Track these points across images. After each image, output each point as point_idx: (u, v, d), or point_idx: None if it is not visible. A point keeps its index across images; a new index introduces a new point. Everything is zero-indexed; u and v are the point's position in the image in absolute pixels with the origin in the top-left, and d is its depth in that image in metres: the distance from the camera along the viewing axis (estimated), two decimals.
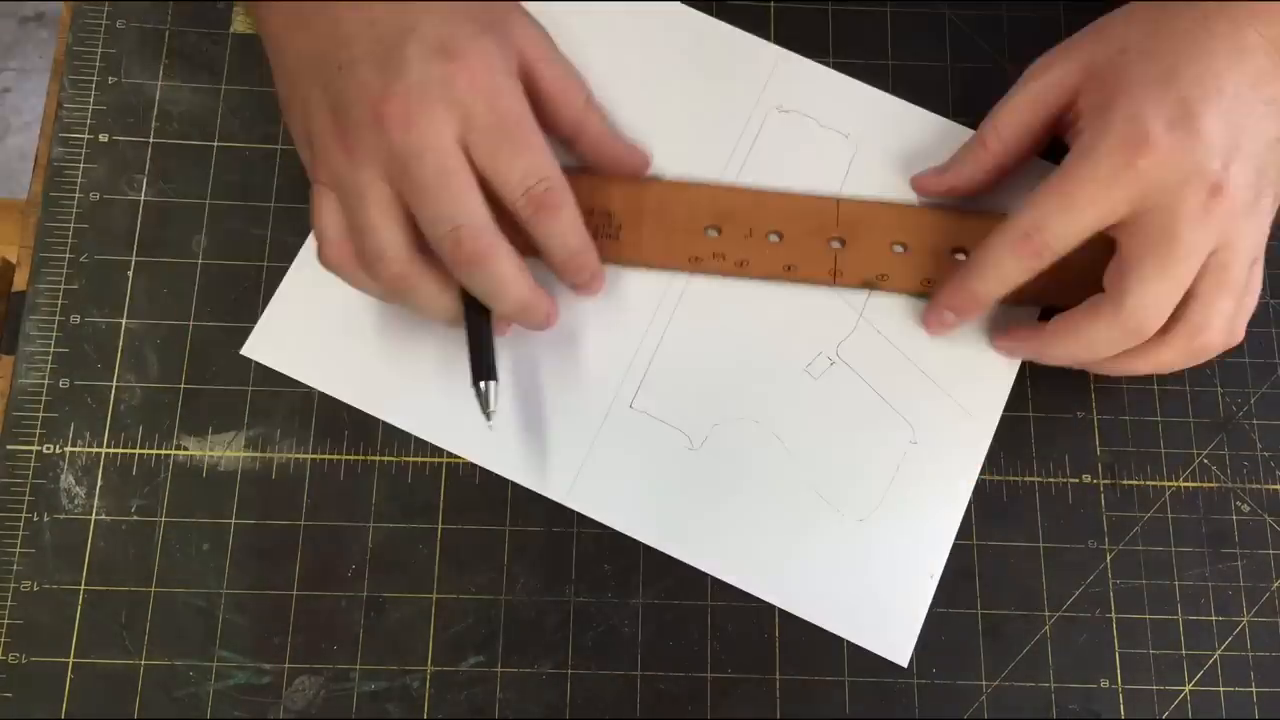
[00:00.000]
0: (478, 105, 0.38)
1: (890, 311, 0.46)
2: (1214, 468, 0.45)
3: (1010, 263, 0.41)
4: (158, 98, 0.47)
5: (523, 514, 0.43)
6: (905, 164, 0.47)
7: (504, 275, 0.39)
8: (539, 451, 0.44)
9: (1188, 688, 0.43)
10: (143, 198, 0.46)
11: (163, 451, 0.43)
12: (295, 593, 0.42)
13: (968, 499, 0.44)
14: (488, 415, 0.41)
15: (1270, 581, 0.44)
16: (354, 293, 0.45)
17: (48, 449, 0.43)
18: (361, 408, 0.44)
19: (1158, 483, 0.45)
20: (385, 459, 0.44)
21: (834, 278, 0.45)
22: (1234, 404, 0.46)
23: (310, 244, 0.46)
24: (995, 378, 0.45)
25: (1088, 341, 0.41)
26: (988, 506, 0.44)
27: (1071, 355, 0.42)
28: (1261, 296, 0.47)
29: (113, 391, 0.44)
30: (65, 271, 0.45)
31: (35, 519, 0.42)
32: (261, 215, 0.46)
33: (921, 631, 0.43)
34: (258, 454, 0.43)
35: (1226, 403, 0.46)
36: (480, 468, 0.44)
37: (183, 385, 0.44)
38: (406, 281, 0.39)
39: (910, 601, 0.43)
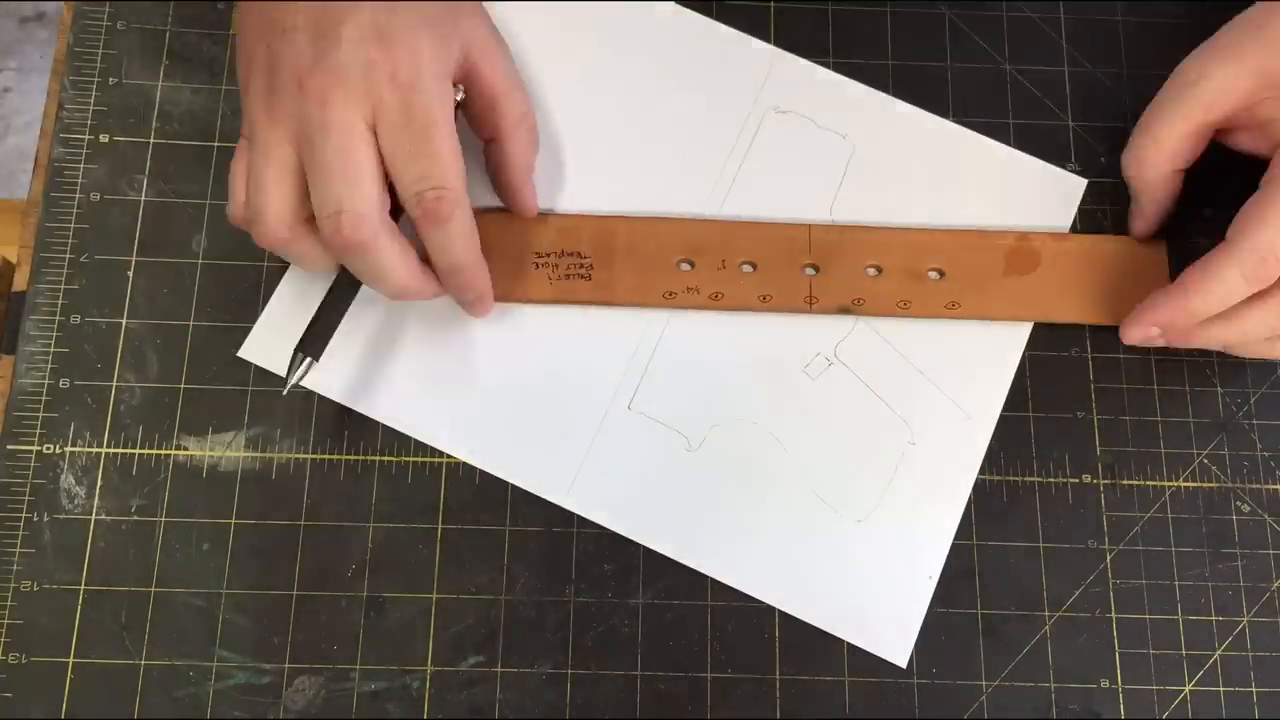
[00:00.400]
0: (392, 98, 0.39)
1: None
2: (1214, 468, 0.45)
3: (1239, 285, 0.41)
4: (158, 98, 0.47)
5: (523, 514, 0.43)
6: (903, 164, 0.47)
7: (381, 265, 0.39)
8: (537, 453, 0.44)
9: (1188, 688, 0.43)
10: (143, 198, 0.46)
11: (163, 451, 0.43)
12: (295, 593, 0.42)
13: (966, 499, 0.44)
14: (284, 384, 0.41)
15: (1270, 581, 0.44)
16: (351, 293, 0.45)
17: (48, 449, 0.43)
18: (359, 409, 0.44)
19: (1158, 483, 0.45)
20: (385, 459, 0.44)
21: (809, 304, 0.45)
22: (1234, 404, 0.46)
23: None
24: (993, 378, 0.45)
25: (1215, 283, 0.41)
26: (987, 506, 0.44)
27: (1204, 301, 0.41)
28: None
29: (113, 391, 0.44)
30: (65, 271, 0.45)
31: (35, 519, 0.42)
32: None
33: (921, 631, 0.43)
34: (258, 454, 0.43)
35: (1226, 403, 0.46)
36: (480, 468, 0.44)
37: (183, 385, 0.44)
38: (284, 245, 0.40)
39: (909, 602, 0.43)
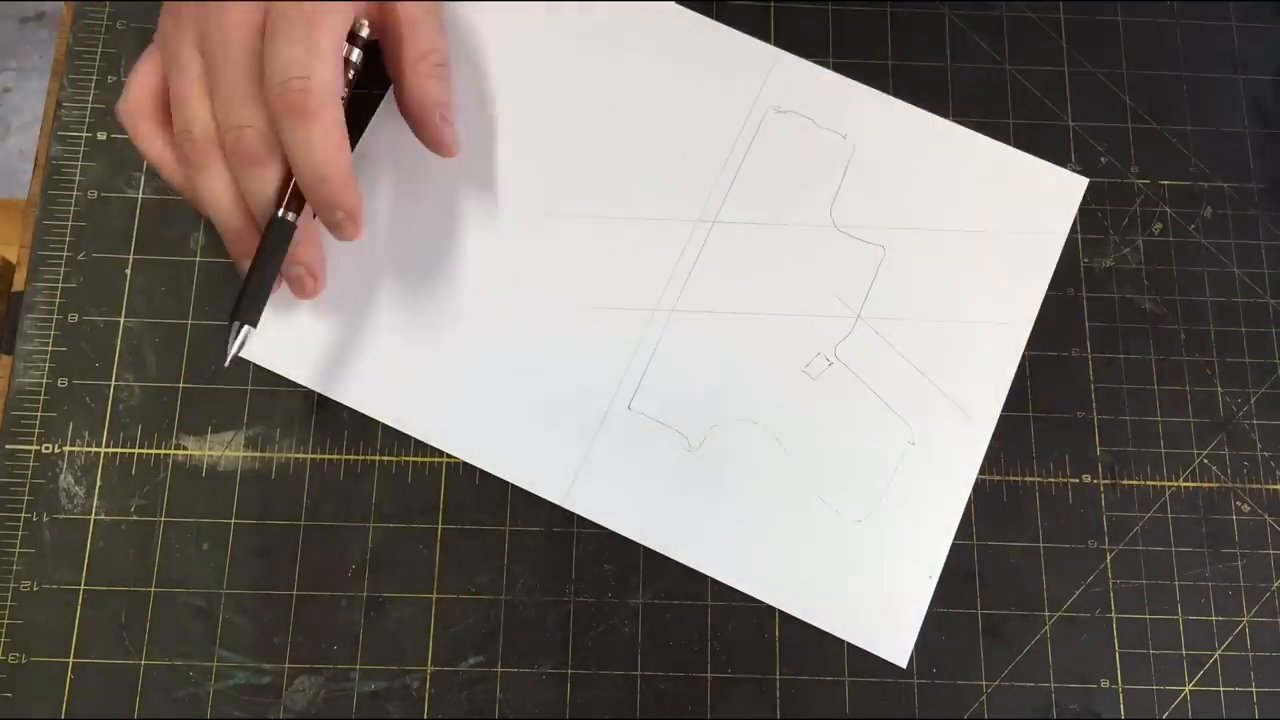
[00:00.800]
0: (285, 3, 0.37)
1: (889, 312, 0.46)
2: (1214, 468, 0.45)
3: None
4: None
5: (523, 514, 0.43)
6: (903, 164, 0.47)
7: (263, 183, 0.39)
8: (537, 453, 0.44)
9: (1188, 688, 0.43)
10: (140, 196, 0.46)
11: (162, 451, 0.43)
12: (295, 593, 0.42)
13: (966, 499, 0.44)
14: (226, 355, 0.40)
15: (1270, 581, 0.44)
16: (351, 293, 0.45)
17: (47, 449, 0.43)
18: (359, 409, 0.44)
19: (1158, 483, 0.45)
20: (385, 459, 0.44)
21: None
22: (1234, 404, 0.46)
23: None
24: (994, 378, 0.45)
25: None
26: (987, 506, 0.44)
27: None
28: (1261, 297, 0.47)
29: (111, 391, 0.44)
30: (63, 270, 0.45)
31: (35, 519, 0.42)
32: None
33: (921, 631, 0.43)
34: (258, 454, 0.43)
35: (1226, 403, 0.46)
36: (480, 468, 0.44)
37: (182, 385, 0.44)
38: (204, 160, 0.39)
39: (909, 602, 0.43)
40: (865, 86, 0.48)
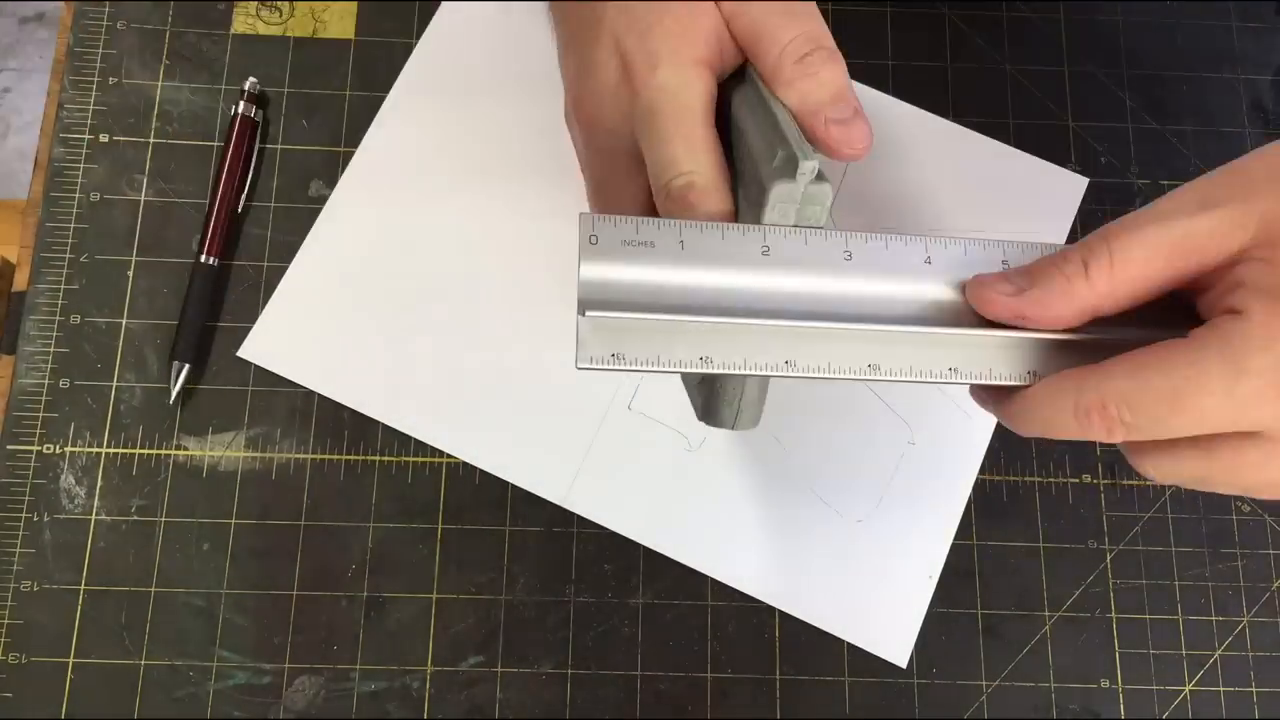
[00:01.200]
0: (639, 102, 0.35)
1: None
2: None
3: (1070, 425, 0.31)
4: (158, 98, 0.47)
5: (523, 514, 0.43)
6: (903, 164, 0.47)
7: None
8: (537, 453, 0.44)
9: (1188, 688, 0.43)
10: (143, 198, 0.46)
11: (163, 451, 0.43)
12: (295, 593, 0.42)
13: (966, 499, 0.44)
14: (170, 394, 0.43)
15: (1270, 581, 0.44)
16: (351, 294, 0.45)
17: (48, 449, 0.43)
18: (359, 409, 0.44)
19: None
20: (385, 459, 0.44)
21: None
22: None
23: (308, 244, 0.46)
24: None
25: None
26: (988, 506, 0.44)
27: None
28: None
29: (113, 391, 0.44)
30: (65, 271, 0.45)
31: (35, 519, 0.42)
32: (261, 215, 0.46)
33: (921, 631, 0.43)
34: (258, 454, 0.43)
35: None
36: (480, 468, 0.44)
37: (183, 385, 0.44)
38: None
39: (909, 602, 0.43)
40: (866, 86, 0.48)
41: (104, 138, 0.46)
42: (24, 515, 0.42)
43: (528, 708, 0.41)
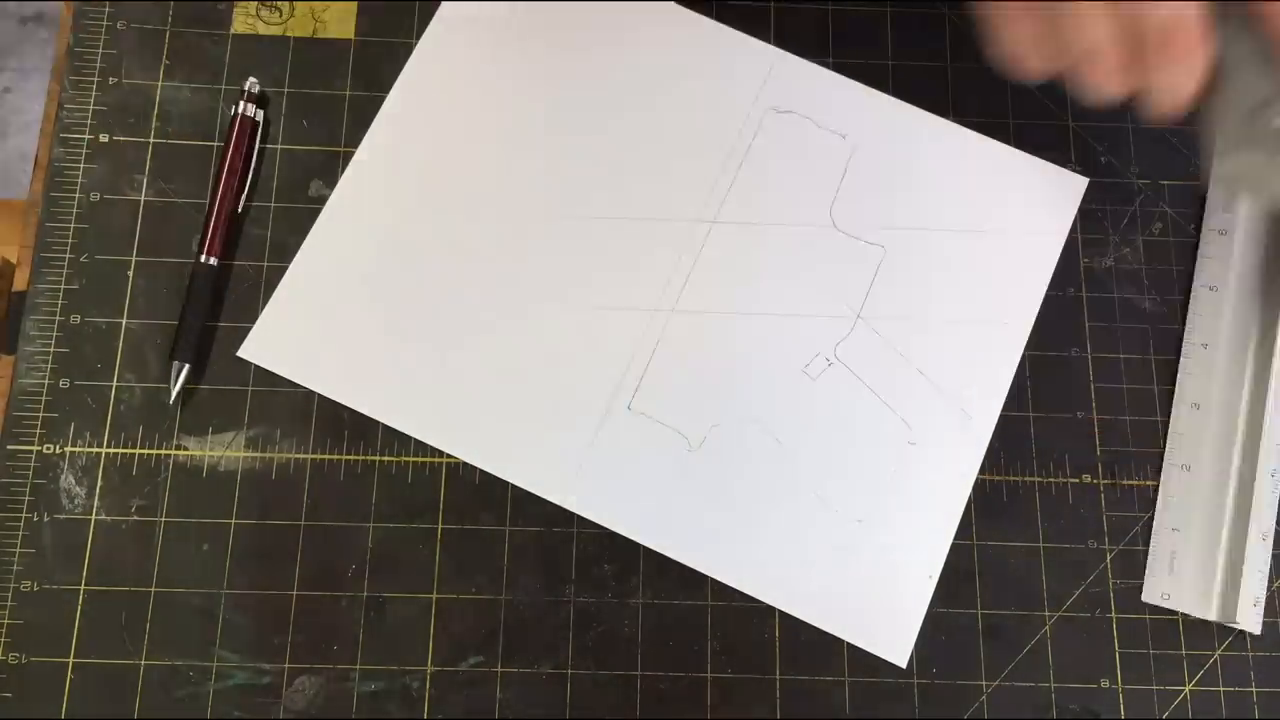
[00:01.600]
0: None
1: (889, 312, 0.46)
2: None
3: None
4: (158, 98, 0.47)
5: (523, 514, 0.43)
6: (903, 164, 0.47)
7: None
8: (537, 453, 0.44)
9: (1188, 688, 0.43)
10: (143, 198, 0.46)
11: (163, 451, 0.43)
12: (295, 593, 0.42)
13: (966, 499, 0.44)
14: (169, 395, 0.43)
15: (1270, 581, 0.44)
16: (351, 294, 0.45)
17: (48, 449, 0.43)
18: (359, 409, 0.44)
19: (1157, 483, 0.45)
20: (385, 459, 0.44)
21: None
22: None
23: (308, 244, 0.46)
24: (994, 378, 0.45)
25: None
26: (988, 506, 0.44)
27: None
28: None
29: (113, 391, 0.44)
30: (65, 271, 0.45)
31: (35, 519, 0.42)
32: (261, 215, 0.46)
33: (921, 631, 0.43)
34: (258, 454, 0.43)
35: None
36: (480, 468, 0.44)
37: (183, 385, 0.44)
38: None
39: (909, 602, 0.43)
40: (865, 86, 0.48)
41: (104, 138, 0.46)
42: (24, 515, 0.42)
43: (528, 708, 0.41)
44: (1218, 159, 0.38)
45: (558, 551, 0.43)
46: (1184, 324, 0.46)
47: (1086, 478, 0.45)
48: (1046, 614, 0.43)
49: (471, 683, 0.42)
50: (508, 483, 0.43)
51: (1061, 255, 0.47)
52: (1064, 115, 0.49)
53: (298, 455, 0.44)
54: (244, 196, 0.46)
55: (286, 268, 0.45)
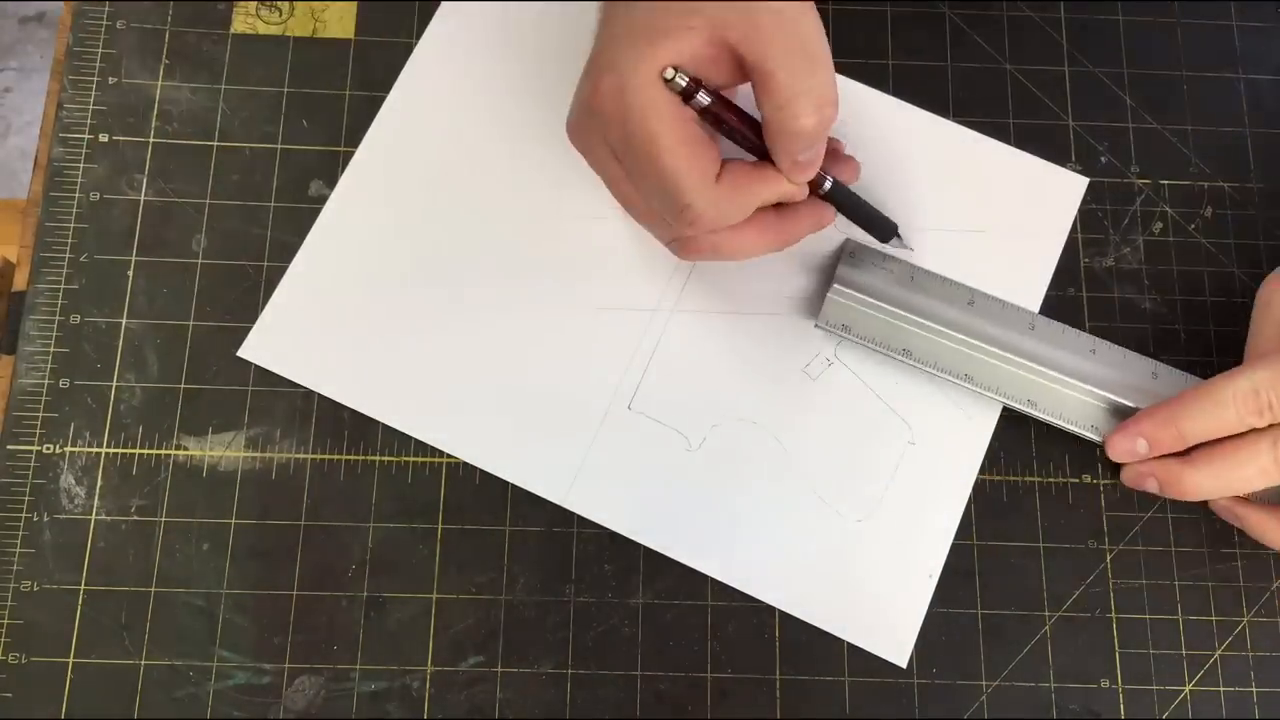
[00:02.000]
0: (614, 132, 0.38)
1: (907, 249, 0.45)
2: None
3: (1229, 412, 0.40)
4: (158, 98, 0.47)
5: (523, 514, 0.43)
6: (903, 164, 0.47)
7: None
8: (537, 453, 0.44)
9: (1188, 688, 0.43)
10: (143, 198, 0.46)
11: (163, 451, 0.43)
12: (295, 593, 0.42)
13: (966, 499, 0.44)
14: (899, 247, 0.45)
15: (1270, 581, 0.44)
16: (351, 294, 0.45)
17: (48, 449, 0.43)
18: (359, 409, 0.44)
19: None
20: (385, 459, 0.44)
21: None
22: None
23: (308, 244, 0.46)
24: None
25: (1217, 407, 0.40)
26: (988, 506, 0.44)
27: (1203, 424, 0.41)
28: None
29: (113, 391, 0.44)
30: (65, 271, 0.45)
31: (35, 519, 0.42)
32: (261, 215, 0.46)
33: (921, 631, 0.43)
34: (258, 454, 0.43)
35: None
36: (480, 468, 0.44)
37: (182, 385, 0.44)
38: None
39: (909, 602, 0.43)
40: (866, 86, 0.48)
41: (104, 138, 0.46)
42: (24, 515, 0.42)
43: (528, 708, 0.41)
44: None
45: (558, 551, 0.43)
46: (1182, 324, 0.46)
47: (1086, 478, 0.45)
48: (1046, 614, 0.43)
49: (471, 683, 0.42)
50: (508, 483, 0.43)
51: (1061, 255, 0.47)
52: (1064, 115, 0.49)
53: (298, 455, 0.44)
54: None
55: (286, 268, 0.45)
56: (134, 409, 0.44)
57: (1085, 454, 0.45)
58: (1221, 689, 0.43)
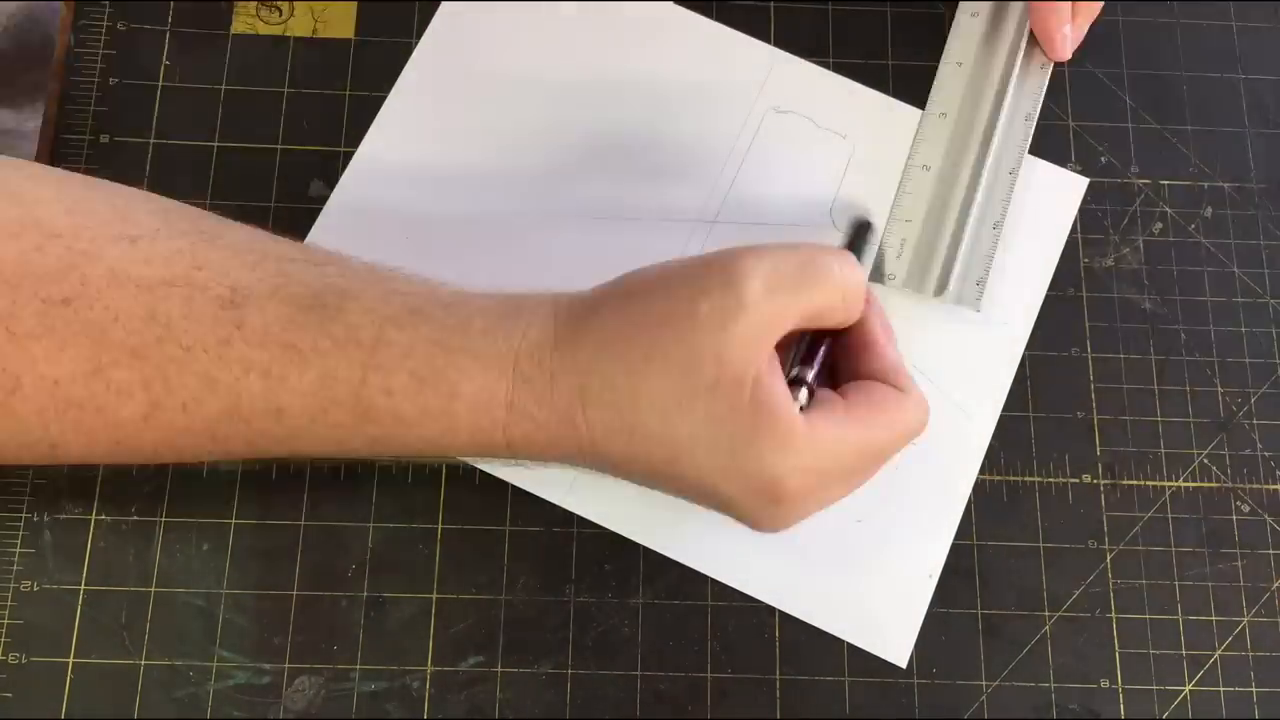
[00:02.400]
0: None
1: (887, 312, 0.45)
2: (1214, 468, 0.45)
3: None
4: (158, 98, 0.47)
5: (523, 514, 0.43)
6: (903, 165, 0.47)
7: None
8: None
9: (1188, 688, 0.43)
10: None
11: None
12: (295, 593, 0.42)
13: (966, 498, 0.44)
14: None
15: (1270, 581, 0.44)
16: None
17: None
18: None
19: (1158, 483, 0.45)
20: (385, 459, 0.44)
21: None
22: (1234, 404, 0.46)
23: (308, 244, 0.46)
24: (994, 378, 0.45)
25: None
26: (987, 506, 0.44)
27: None
28: (1261, 297, 0.47)
29: None
30: None
31: (35, 519, 0.42)
32: (261, 215, 0.46)
33: (921, 631, 0.43)
34: None
35: (1226, 403, 0.46)
36: (480, 468, 0.44)
37: None
38: None
39: (909, 602, 0.43)
40: (865, 87, 0.48)
41: (104, 138, 0.46)
42: (24, 515, 0.42)
43: (528, 708, 0.41)
44: None
45: (558, 551, 0.43)
46: (1182, 324, 0.46)
47: (1086, 478, 0.45)
48: (1046, 614, 0.43)
49: (471, 683, 0.42)
50: (508, 483, 0.43)
51: (1061, 255, 0.47)
52: (1064, 115, 0.49)
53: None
54: None
55: None
56: None
57: (1085, 454, 0.45)
58: (1221, 689, 0.43)
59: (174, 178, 0.46)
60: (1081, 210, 0.48)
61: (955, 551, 0.43)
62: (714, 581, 0.43)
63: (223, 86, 0.47)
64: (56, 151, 0.46)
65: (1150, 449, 0.45)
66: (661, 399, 0.34)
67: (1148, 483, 0.45)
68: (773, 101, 0.48)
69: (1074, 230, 0.47)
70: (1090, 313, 0.47)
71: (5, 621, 0.41)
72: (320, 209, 0.46)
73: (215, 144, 0.47)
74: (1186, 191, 0.48)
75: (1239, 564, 0.44)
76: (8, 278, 0.34)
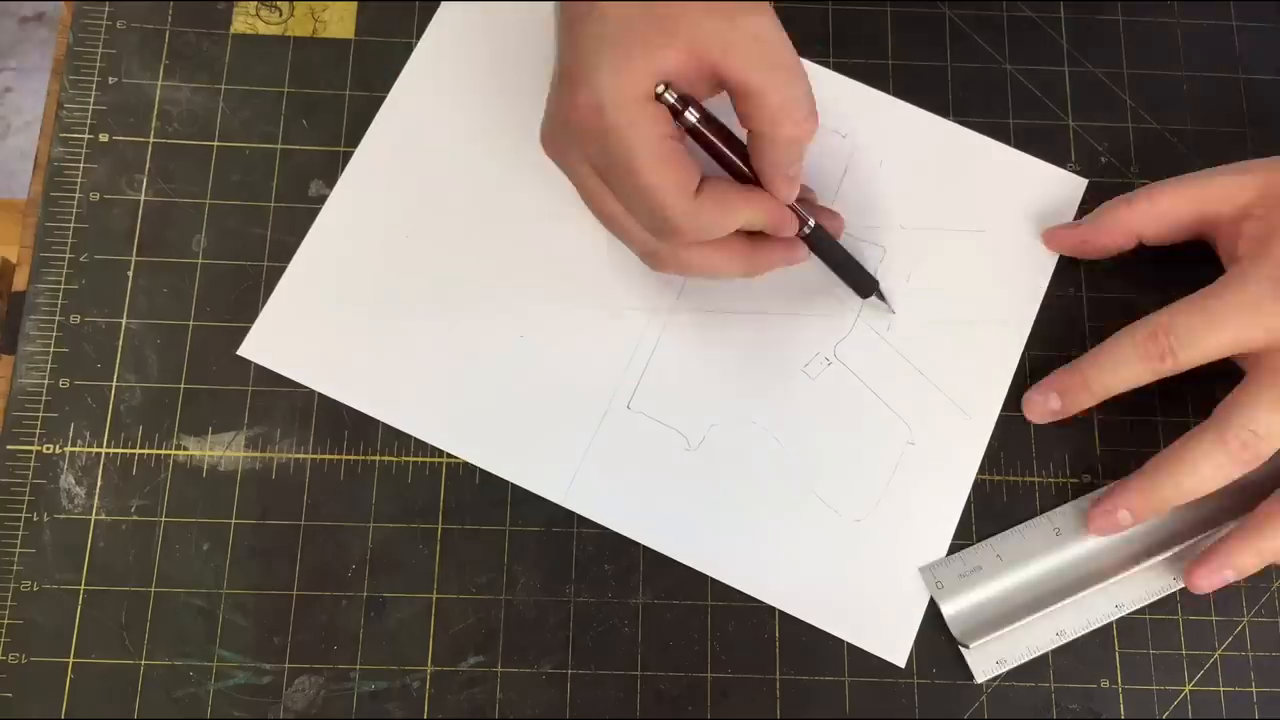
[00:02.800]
0: (593, 146, 0.38)
1: (887, 312, 0.46)
2: None
3: (1131, 357, 0.41)
4: (158, 98, 0.47)
5: (523, 514, 0.43)
6: (903, 164, 0.47)
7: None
8: (537, 453, 0.44)
9: (1188, 688, 0.43)
10: (143, 198, 0.46)
11: (163, 451, 0.43)
12: (295, 593, 0.42)
13: (965, 499, 0.44)
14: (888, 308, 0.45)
15: (1270, 581, 0.44)
16: (351, 293, 0.45)
17: (48, 449, 0.43)
18: (359, 408, 0.44)
19: None
20: (385, 459, 0.44)
21: None
22: None
23: (308, 243, 0.46)
24: (994, 378, 0.45)
25: (1191, 466, 0.40)
26: (987, 506, 0.44)
27: (1178, 485, 0.41)
28: None
29: (112, 391, 0.44)
30: (65, 271, 0.45)
31: (35, 519, 0.42)
32: (261, 215, 0.46)
33: (921, 631, 0.43)
34: (258, 454, 0.43)
35: None
36: (480, 468, 0.44)
37: (182, 385, 0.44)
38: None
39: (908, 602, 0.43)
40: (865, 86, 0.48)
41: (104, 138, 0.46)
42: (24, 515, 0.42)
43: (528, 708, 0.41)
44: None
45: (558, 551, 0.43)
46: None
47: (1086, 478, 0.45)
48: None
49: (471, 683, 0.42)
50: (508, 483, 0.43)
51: (1061, 255, 0.47)
52: (1064, 115, 0.49)
53: (298, 455, 0.44)
54: None
55: (286, 268, 0.45)
56: (134, 409, 0.44)
57: (1085, 454, 0.45)
58: (1221, 689, 0.43)
59: (174, 177, 0.46)
60: (1081, 210, 0.48)
61: (955, 551, 0.43)
62: (714, 581, 0.43)
63: (223, 86, 0.47)
64: (56, 151, 0.46)
65: (1150, 449, 0.45)
66: None
67: None
68: None
69: None
70: (1090, 313, 0.47)
71: (5, 621, 0.41)
72: (320, 209, 0.46)
73: (215, 144, 0.47)
74: None
75: None
76: None
